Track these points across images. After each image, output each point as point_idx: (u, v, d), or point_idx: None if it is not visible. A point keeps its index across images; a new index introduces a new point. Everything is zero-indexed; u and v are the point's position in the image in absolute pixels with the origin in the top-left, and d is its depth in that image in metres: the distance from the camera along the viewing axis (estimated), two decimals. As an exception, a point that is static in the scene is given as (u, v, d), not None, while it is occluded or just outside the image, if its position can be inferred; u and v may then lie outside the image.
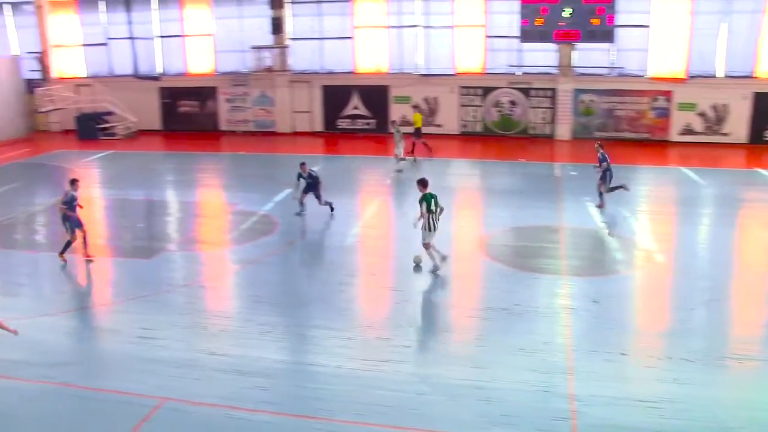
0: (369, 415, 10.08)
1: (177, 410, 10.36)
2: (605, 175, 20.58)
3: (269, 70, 35.64)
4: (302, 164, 20.80)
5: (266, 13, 35.38)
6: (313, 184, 20.59)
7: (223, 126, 37.38)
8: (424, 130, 31.08)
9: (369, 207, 22.28)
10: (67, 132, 38.80)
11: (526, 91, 33.75)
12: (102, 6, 38.37)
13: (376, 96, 35.26)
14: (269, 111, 36.81)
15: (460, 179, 26.34)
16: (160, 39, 37.86)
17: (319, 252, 17.58)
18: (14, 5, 39.77)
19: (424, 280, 15.50)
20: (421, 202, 15.43)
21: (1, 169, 29.73)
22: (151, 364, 11.78)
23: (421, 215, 15.36)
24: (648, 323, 13.58)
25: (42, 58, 39.10)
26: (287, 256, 17.40)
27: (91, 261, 17.08)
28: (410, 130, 30.11)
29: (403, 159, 27.04)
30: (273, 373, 11.40)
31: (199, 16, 37.02)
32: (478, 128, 34.57)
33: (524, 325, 13.00)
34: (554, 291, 14.72)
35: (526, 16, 31.68)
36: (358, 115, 35.78)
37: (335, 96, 35.73)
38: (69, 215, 16.80)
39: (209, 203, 24.01)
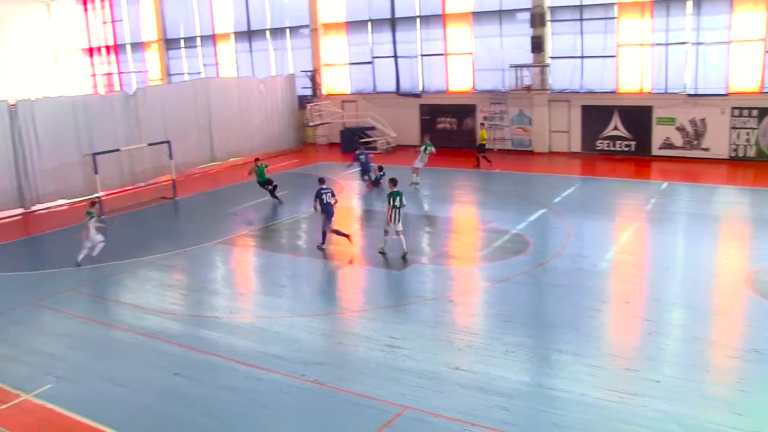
0: (612, 448, 9.71)
1: (417, 420, 10.62)
2: None
3: (528, 89, 35.53)
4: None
5: (527, 31, 35.33)
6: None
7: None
8: (688, 153, 29.32)
9: (625, 232, 21.43)
10: (331, 145, 41.35)
11: (811, 114, 30.64)
12: (369, 27, 40.56)
13: (637, 117, 33.83)
14: (527, 130, 36.66)
15: (727, 207, 24.48)
16: (421, 57, 39.22)
17: (571, 275, 17.18)
18: (292, 29, 43.24)
19: (679, 312, 14.62)
20: (389, 197, 18.70)
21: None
22: (396, 373, 12.19)
23: (390, 207, 18.55)
24: None
25: (314, 76, 42.04)
26: (537, 277, 17.20)
27: (321, 249, 19.44)
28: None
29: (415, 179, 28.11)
30: (515, 394, 11.32)
31: (460, 35, 37.82)
32: (751, 153, 31.95)
33: (796, 372, 11.81)
34: (835, 337, 13.21)
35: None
36: (618, 136, 34.55)
37: (594, 116, 34.79)
38: (316, 207, 19.36)
39: (463, 219, 24.38)
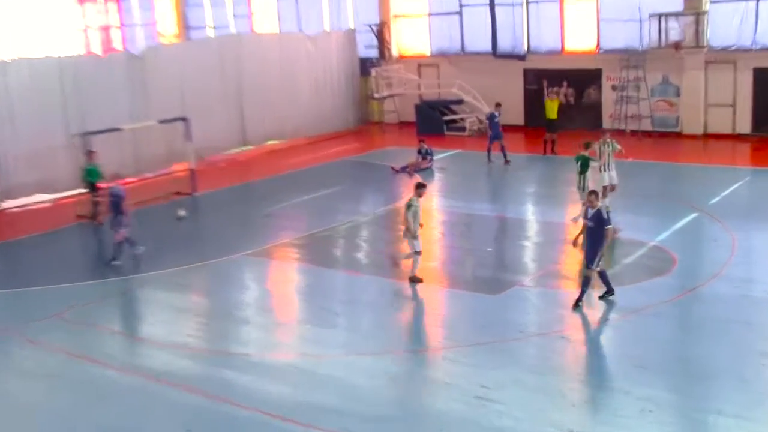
0: None
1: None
2: None
3: (676, 46, 34.92)
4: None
5: (675, -32, 34.82)
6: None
7: (606, 122, 37.32)
8: None
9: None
10: (403, 124, 41.49)
11: None
12: (457, -36, 40.52)
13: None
14: (672, 104, 36.08)
15: None
16: (527, 5, 38.92)
17: (734, 305, 16.77)
18: (353, -33, 43.50)
19: None
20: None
21: (325, 168, 32.74)
22: (487, 435, 12.10)
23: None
24: None
25: (381, 32, 42.18)
26: (686, 307, 17.02)
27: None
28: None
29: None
30: (653, 471, 11.16)
31: (581, -26, 37.54)
32: None
33: None
34: None
35: None
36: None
37: (773, 83, 34.10)
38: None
39: (580, 226, 24.04)
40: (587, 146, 22.17)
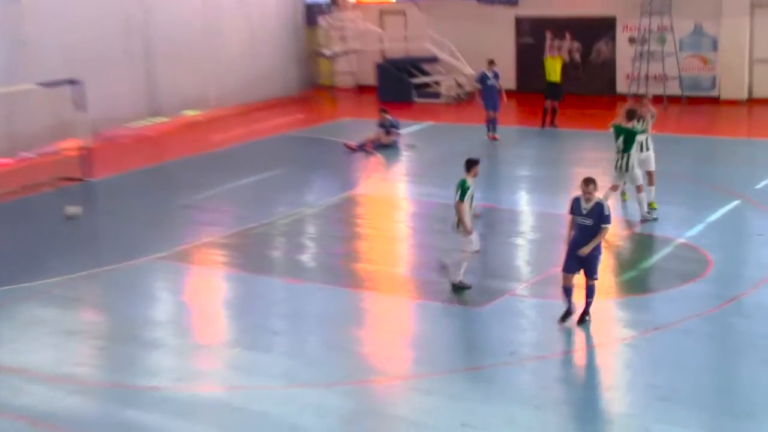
0: None
1: None
2: None
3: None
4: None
5: None
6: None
7: (621, 86, 37.43)
8: None
9: None
10: (362, 89, 41.53)
11: None
12: None
13: None
14: (707, 61, 36.28)
15: None
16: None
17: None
18: None
19: None
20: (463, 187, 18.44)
21: (261, 145, 32.84)
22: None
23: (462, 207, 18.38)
24: None
25: (330, -31, 42.22)
26: (724, 322, 17.01)
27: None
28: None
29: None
30: None
31: None
32: None
33: None
34: None
35: None
36: None
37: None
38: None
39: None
40: (631, 115, 21.92)
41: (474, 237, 18.39)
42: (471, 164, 18.51)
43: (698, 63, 36.49)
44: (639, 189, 22.05)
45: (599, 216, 16.24)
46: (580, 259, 16.47)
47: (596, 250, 16.43)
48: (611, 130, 22.09)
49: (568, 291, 16.65)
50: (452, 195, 18.25)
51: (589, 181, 16.54)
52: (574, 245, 16.51)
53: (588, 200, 16.32)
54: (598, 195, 16.55)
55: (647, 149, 22.39)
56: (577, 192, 16.72)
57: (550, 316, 17.37)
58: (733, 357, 15.90)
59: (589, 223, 16.31)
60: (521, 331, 17.12)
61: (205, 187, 27.45)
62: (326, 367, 15.87)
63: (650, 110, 22.62)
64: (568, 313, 16.63)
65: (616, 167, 21.97)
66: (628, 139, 21.58)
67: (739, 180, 25.01)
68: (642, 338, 16.35)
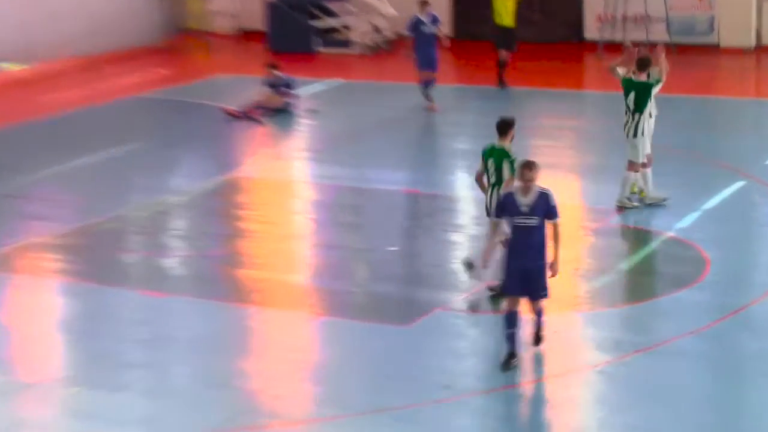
0: None
1: None
2: None
3: None
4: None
5: None
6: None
7: (591, 29, 37.74)
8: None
9: None
10: (246, 36, 41.54)
11: None
12: None
13: None
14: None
15: None
16: None
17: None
18: None
19: None
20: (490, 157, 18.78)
21: (108, 110, 32.70)
22: None
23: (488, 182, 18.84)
24: None
25: None
26: (725, 340, 17.25)
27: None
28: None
29: None
30: None
31: None
32: None
33: None
34: None
35: None
36: None
37: None
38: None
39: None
40: (644, 65, 21.94)
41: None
42: (508, 126, 18.59)
43: (692, 2, 36.76)
44: (631, 166, 22.20)
45: (546, 209, 15.98)
46: (525, 274, 16.14)
47: (541, 259, 16.13)
48: (621, 84, 22.20)
49: (512, 319, 16.25)
50: (360, 176, 18.03)
51: (530, 166, 16.26)
52: (519, 257, 16.17)
53: (527, 191, 15.97)
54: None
55: (652, 116, 22.61)
56: (512, 185, 16.88)
57: (497, 338, 17.19)
58: (736, 386, 16.09)
59: (534, 222, 15.99)
60: (459, 357, 17.09)
61: (32, 168, 27.17)
62: (201, 409, 15.64)
63: (662, 63, 22.55)
64: (512, 356, 16.32)
65: (626, 133, 22.19)
66: (641, 94, 21.70)
67: (744, 154, 25.51)
68: (619, 364, 16.52)
